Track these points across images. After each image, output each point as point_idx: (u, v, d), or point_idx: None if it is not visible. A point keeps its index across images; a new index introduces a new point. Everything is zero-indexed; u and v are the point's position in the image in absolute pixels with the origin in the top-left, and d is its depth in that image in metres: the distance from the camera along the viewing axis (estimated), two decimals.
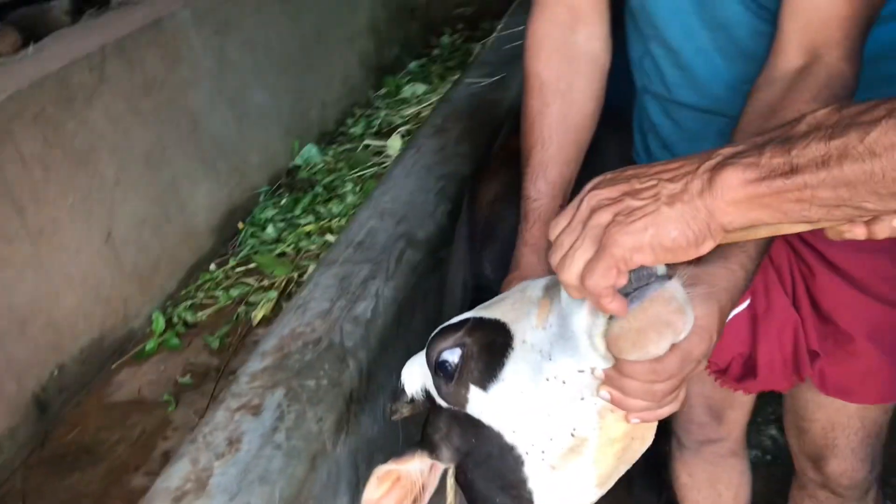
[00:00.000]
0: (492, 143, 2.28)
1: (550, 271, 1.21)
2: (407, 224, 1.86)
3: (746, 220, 0.67)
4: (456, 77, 3.34)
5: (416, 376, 1.11)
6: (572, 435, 0.91)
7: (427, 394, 1.08)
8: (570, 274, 0.73)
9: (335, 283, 1.68)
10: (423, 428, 1.10)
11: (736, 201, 0.66)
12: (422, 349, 1.79)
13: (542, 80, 1.28)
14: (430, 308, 1.82)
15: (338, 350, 1.50)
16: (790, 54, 1.05)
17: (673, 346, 0.78)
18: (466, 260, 1.51)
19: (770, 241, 0.96)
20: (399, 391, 1.14)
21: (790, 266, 1.30)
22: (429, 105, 3.15)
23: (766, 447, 2.33)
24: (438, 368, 1.00)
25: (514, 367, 0.94)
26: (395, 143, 2.83)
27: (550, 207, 1.29)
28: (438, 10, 4.22)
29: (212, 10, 2.38)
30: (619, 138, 1.56)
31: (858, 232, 0.71)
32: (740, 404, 1.58)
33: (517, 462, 0.97)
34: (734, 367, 1.39)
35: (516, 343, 0.94)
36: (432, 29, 4.09)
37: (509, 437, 0.96)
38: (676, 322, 0.75)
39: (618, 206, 0.71)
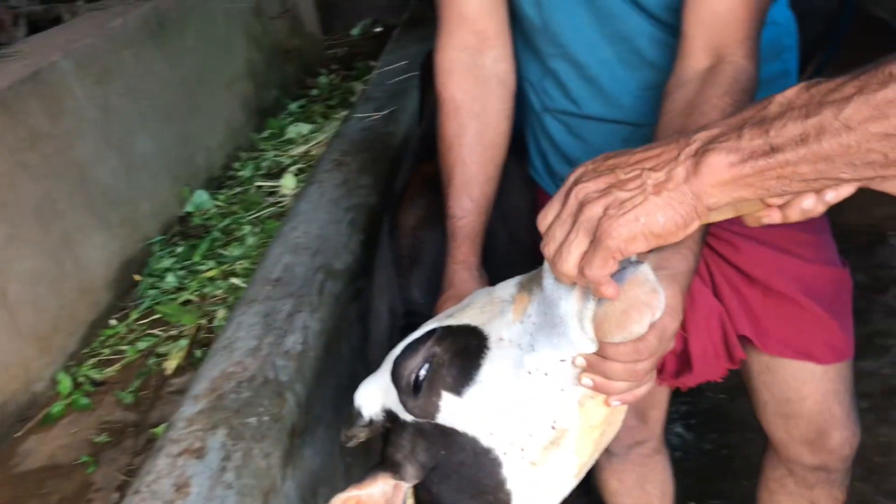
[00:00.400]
0: (392, 173, 2.33)
1: (482, 286, 1.25)
2: (323, 256, 1.87)
3: (730, 199, 0.72)
4: (339, 115, 3.38)
5: (373, 397, 1.09)
6: (553, 427, 0.92)
7: (388, 413, 1.06)
8: (568, 264, 0.77)
9: (260, 321, 1.67)
10: (382, 449, 1.09)
11: (721, 183, 0.70)
12: (351, 379, 1.81)
13: (456, 104, 1.31)
14: (354, 337, 1.83)
15: (274, 385, 1.49)
16: (697, 56, 1.12)
17: (650, 326, 0.84)
18: (391, 287, 1.52)
19: (707, 230, 1.03)
20: (355, 415, 1.12)
21: (705, 257, 1.38)
22: (316, 143, 3.16)
23: (675, 444, 2.44)
24: (406, 384, 0.99)
25: (493, 366, 0.94)
26: (288, 182, 2.82)
27: (476, 225, 1.32)
28: (311, 52, 4.25)
29: (92, 60, 2.31)
30: (516, 158, 1.62)
31: (775, 216, 0.78)
32: (659, 402, 1.66)
33: (494, 464, 0.96)
34: (669, 364, 1.45)
35: (492, 342, 0.95)
36: (307, 70, 4.11)
37: (486, 441, 0.95)
38: (653, 301, 0.81)
39: (606, 198, 0.74)
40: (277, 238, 2.02)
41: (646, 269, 0.82)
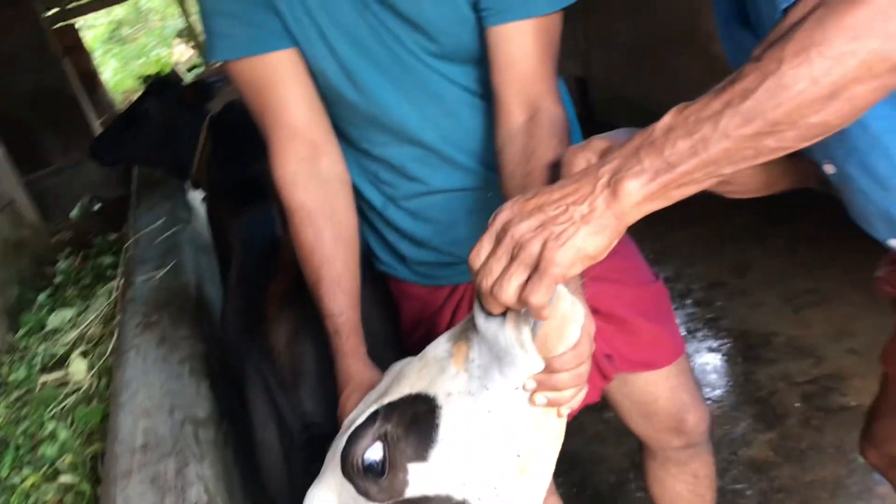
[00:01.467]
0: (208, 318, 2.31)
1: (378, 373, 1.31)
2: (182, 410, 1.83)
3: (641, 214, 0.87)
4: (101, 290, 3.24)
5: (326, 501, 1.09)
6: (518, 456, 1.00)
7: None
8: (508, 293, 0.88)
9: (148, 487, 1.60)
10: None
11: (637, 203, 0.85)
12: None
13: (308, 209, 1.39)
14: (237, 479, 1.78)
15: None
16: (516, 113, 1.31)
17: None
18: (275, 413, 1.51)
19: None
20: None
21: None
22: (89, 324, 2.99)
23: None
24: (366, 472, 1.00)
25: (450, 421, 1.00)
26: (79, 367, 2.64)
27: (355, 316, 1.39)
28: (39, 242, 4.02)
29: None
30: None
31: None
32: None
33: None
34: None
35: (441, 401, 1.01)
36: (40, 260, 3.87)
37: (459, 494, 0.99)
38: (577, 311, 0.94)
39: (544, 233, 0.87)
40: (118, 410, 1.92)
41: (562, 288, 0.97)
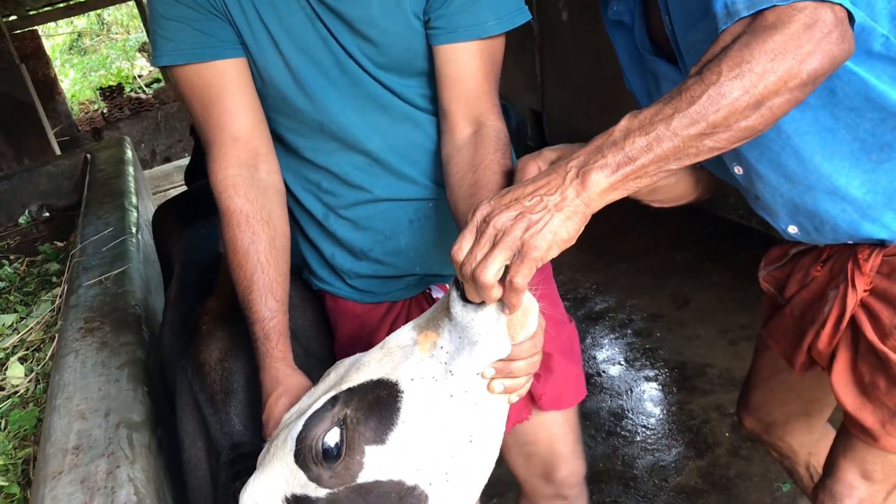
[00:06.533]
0: (150, 327, 2.32)
1: (306, 379, 1.32)
2: (117, 414, 1.84)
3: (604, 202, 0.97)
4: (47, 297, 3.22)
5: (271, 491, 1.08)
6: (471, 441, 1.05)
7: (292, 499, 1.06)
8: (489, 274, 0.95)
9: (77, 488, 1.61)
10: None
11: (603, 191, 0.95)
12: None
13: (246, 214, 1.41)
14: (167, 486, 1.79)
15: None
16: (462, 126, 1.39)
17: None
18: (204, 430, 1.52)
19: None
20: None
21: None
22: (29, 330, 2.97)
23: None
24: (323, 456, 1.01)
25: (412, 404, 1.03)
26: (16, 372, 2.62)
27: (285, 322, 1.41)
28: None
29: None
30: None
31: None
32: None
33: (420, 499, 1.03)
34: None
35: (403, 385, 1.05)
36: None
37: (411, 479, 1.02)
38: (534, 303, 1.04)
39: (522, 222, 0.95)
40: (53, 413, 1.92)
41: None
